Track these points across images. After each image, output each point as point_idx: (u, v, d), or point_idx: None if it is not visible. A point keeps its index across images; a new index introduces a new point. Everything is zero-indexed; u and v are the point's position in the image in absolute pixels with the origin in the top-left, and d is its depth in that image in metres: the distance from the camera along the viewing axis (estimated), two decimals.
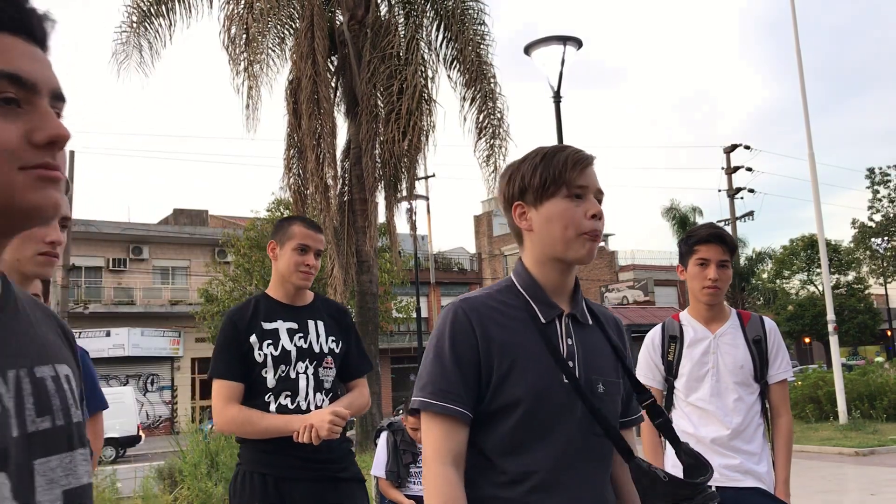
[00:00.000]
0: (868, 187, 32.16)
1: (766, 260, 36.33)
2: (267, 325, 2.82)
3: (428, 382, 1.62)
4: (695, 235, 2.98)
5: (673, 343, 3.04)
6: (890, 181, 30.94)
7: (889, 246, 31.79)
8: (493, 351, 1.60)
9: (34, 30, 0.89)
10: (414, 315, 27.57)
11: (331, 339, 2.93)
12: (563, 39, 9.72)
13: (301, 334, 2.88)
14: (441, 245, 52.36)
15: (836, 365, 15.81)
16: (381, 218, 14.76)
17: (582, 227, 1.64)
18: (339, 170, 14.16)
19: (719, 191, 33.53)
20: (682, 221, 31.57)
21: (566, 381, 1.61)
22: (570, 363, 1.64)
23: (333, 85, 14.52)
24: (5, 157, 0.83)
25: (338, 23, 14.62)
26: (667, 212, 33.25)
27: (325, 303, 3.05)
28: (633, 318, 30.03)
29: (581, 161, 1.66)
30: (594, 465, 1.65)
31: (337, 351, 2.94)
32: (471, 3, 14.86)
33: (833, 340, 16.24)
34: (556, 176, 1.65)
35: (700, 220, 36.12)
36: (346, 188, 14.57)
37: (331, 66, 14.54)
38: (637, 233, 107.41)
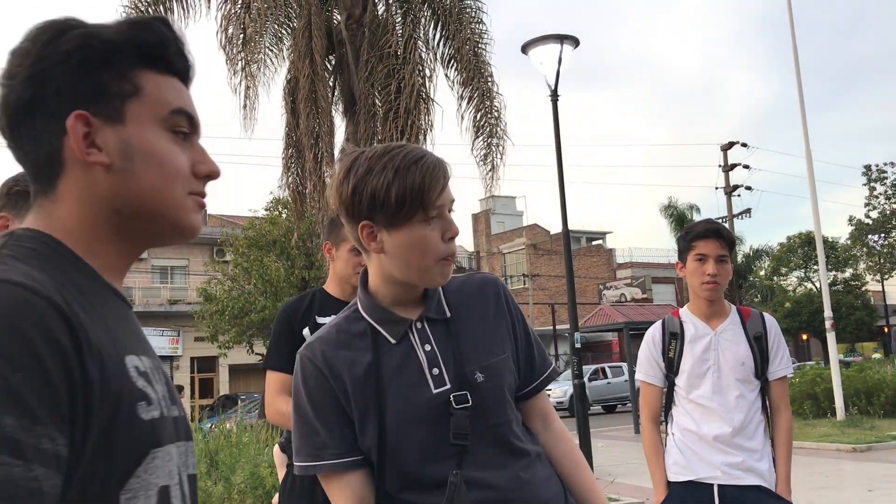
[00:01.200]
0: (865, 184, 32.25)
1: (763, 257, 36.38)
2: (321, 319, 2.79)
3: (301, 446, 1.54)
4: (692, 231, 3.00)
5: (674, 340, 3.05)
6: (886, 178, 31.01)
7: (886, 242, 31.87)
8: (349, 391, 1.51)
9: (191, 75, 1.07)
10: None
11: None
12: (561, 38, 9.76)
13: None
14: None
15: (834, 361, 15.85)
16: None
17: (439, 254, 1.50)
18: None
19: (717, 188, 33.55)
20: (679, 219, 31.62)
21: (435, 391, 1.51)
22: (435, 370, 1.53)
23: (331, 84, 14.53)
24: (181, 181, 1.00)
25: (335, 22, 14.63)
26: (664, 209, 33.27)
27: None
28: (631, 316, 30.05)
29: (441, 178, 1.49)
30: (497, 460, 1.53)
31: None
32: (468, 2, 14.87)
33: (830, 337, 16.28)
34: (414, 197, 1.46)
35: (697, 218, 36.17)
36: None
37: (328, 66, 14.55)
38: (635, 231, 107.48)
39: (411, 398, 1.50)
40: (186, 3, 13.82)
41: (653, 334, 3.13)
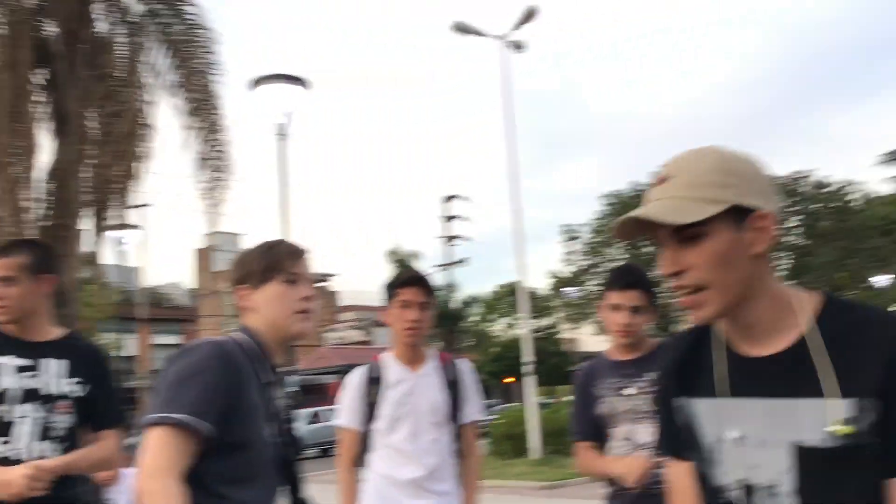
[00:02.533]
0: (563, 241, 35.81)
1: (475, 304, 38.77)
2: None
3: (186, 402, 1.76)
4: (397, 279, 3.14)
5: (374, 385, 3.12)
6: (580, 237, 34.70)
7: (579, 295, 35.49)
8: (240, 393, 1.84)
9: None
10: (120, 353, 25.65)
11: (71, 381, 2.63)
12: (292, 79, 9.78)
13: (32, 372, 2.57)
14: (160, 279, 49.37)
15: (531, 403, 17.17)
16: (89, 247, 13.61)
17: (296, 307, 1.99)
18: (41, 193, 12.87)
19: (437, 237, 35.36)
20: (403, 265, 32.75)
21: (277, 436, 1.95)
22: (274, 421, 1.96)
23: (44, 100, 13.26)
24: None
25: (53, 33, 13.42)
26: (389, 255, 34.37)
27: (75, 341, 2.74)
28: (351, 359, 30.33)
29: (295, 253, 2.04)
30: None
31: (77, 395, 2.63)
32: (200, 31, 14.41)
33: (530, 380, 17.65)
34: (275, 264, 1.99)
35: (419, 265, 37.74)
36: (50, 213, 13.27)
37: (43, 80, 13.26)
38: (361, 274, 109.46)
39: (265, 429, 1.96)
40: None
41: (354, 379, 3.18)
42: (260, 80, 9.99)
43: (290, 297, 1.99)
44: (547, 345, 45.90)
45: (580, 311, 36.67)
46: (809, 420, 1.26)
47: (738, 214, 1.28)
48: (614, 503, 2.92)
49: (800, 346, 1.30)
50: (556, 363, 44.58)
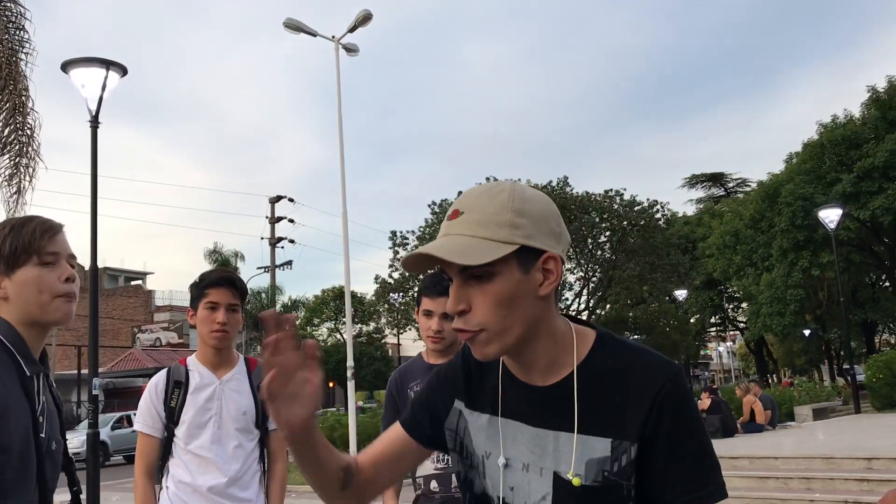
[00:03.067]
0: (390, 247, 36.01)
1: (299, 307, 38.17)
2: None
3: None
4: (206, 279, 2.99)
5: (177, 389, 2.98)
6: (408, 244, 35.04)
7: (403, 301, 35.85)
8: None
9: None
10: None
11: None
12: (107, 63, 9.21)
13: None
14: None
15: (352, 408, 17.11)
16: None
17: (56, 291, 1.80)
18: None
19: (262, 238, 34.46)
20: (224, 265, 31.70)
21: (41, 435, 1.73)
22: (41, 419, 1.75)
23: None
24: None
25: None
26: (209, 254, 33.14)
27: None
28: (163, 361, 29.03)
29: (50, 230, 1.82)
30: None
31: None
32: (9, 5, 13.28)
33: (350, 385, 17.58)
34: (27, 245, 1.78)
35: (242, 266, 36.65)
36: None
37: None
38: (178, 273, 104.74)
39: (29, 429, 1.70)
40: None
41: (156, 382, 3.02)
42: (73, 63, 9.31)
43: (48, 281, 1.79)
44: (370, 349, 46.04)
45: (405, 317, 37.00)
46: (567, 454, 1.30)
47: (526, 255, 1.28)
48: (421, 502, 2.96)
49: (567, 382, 1.33)
50: (377, 368, 44.81)
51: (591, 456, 1.29)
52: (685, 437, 1.27)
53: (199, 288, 2.98)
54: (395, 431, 1.52)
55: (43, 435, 1.74)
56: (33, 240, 1.78)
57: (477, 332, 1.30)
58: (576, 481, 1.28)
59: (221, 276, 2.99)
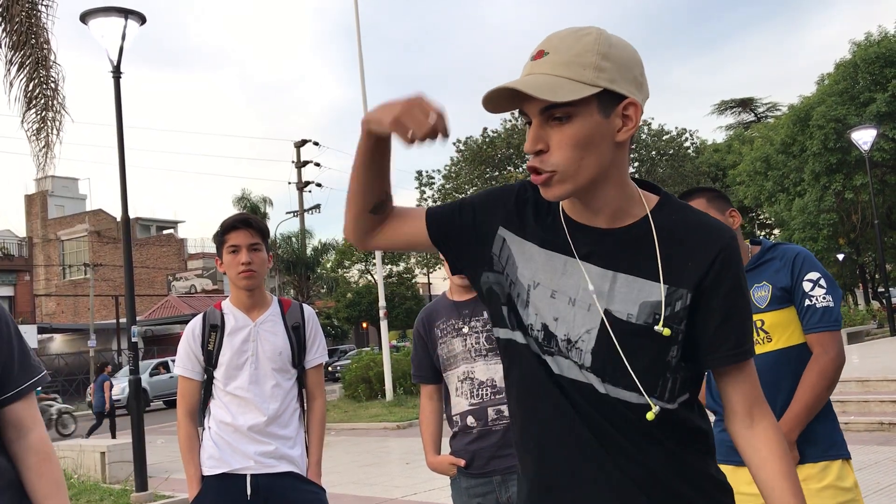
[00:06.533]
0: (416, 188, 35.96)
1: (330, 251, 38.46)
2: None
3: None
4: (222, 226, 3.05)
5: (213, 332, 3.03)
6: (434, 183, 34.96)
7: None
8: None
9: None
10: None
11: None
12: (125, 12, 9.15)
13: None
14: None
15: (385, 347, 17.38)
16: None
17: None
18: None
19: (289, 183, 34.56)
20: (253, 211, 31.89)
21: None
22: None
23: None
24: None
25: None
26: (238, 201, 33.29)
27: None
28: (199, 308, 29.49)
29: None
30: None
31: None
32: None
33: (383, 325, 17.82)
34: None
35: (270, 211, 36.89)
36: None
37: None
38: (208, 221, 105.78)
39: None
40: None
41: (193, 327, 3.08)
42: (91, 13, 9.26)
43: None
44: (401, 290, 46.38)
45: (433, 256, 37.17)
46: (624, 294, 1.35)
47: (608, 99, 1.29)
48: (459, 439, 3.00)
49: (636, 228, 1.38)
50: (409, 307, 45.20)
51: (646, 299, 1.35)
52: (740, 296, 1.37)
53: (220, 235, 3.05)
54: (420, 212, 1.55)
55: None
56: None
57: (550, 174, 1.32)
58: (665, 331, 1.33)
59: (237, 219, 3.04)
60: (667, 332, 1.32)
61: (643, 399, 1.34)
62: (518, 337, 1.42)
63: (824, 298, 2.50)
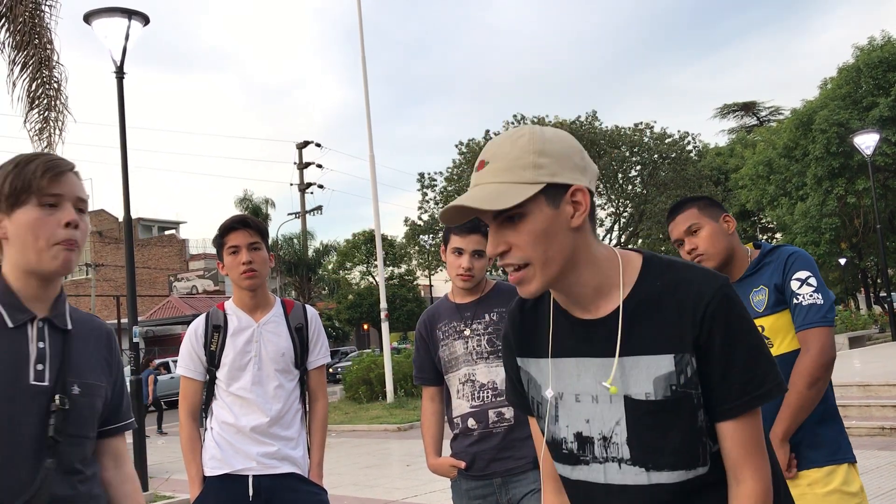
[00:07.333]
0: (419, 190, 35.92)
1: (331, 252, 38.45)
2: None
3: None
4: (222, 227, 3.05)
5: (216, 332, 3.04)
6: (436, 185, 34.94)
7: (434, 242, 35.92)
8: None
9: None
10: None
11: None
12: (129, 13, 9.17)
13: None
14: None
15: (387, 349, 17.36)
16: None
17: (55, 237, 1.63)
18: None
19: (291, 184, 34.58)
20: (255, 212, 31.90)
21: (44, 383, 1.62)
22: (40, 365, 1.63)
23: None
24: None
25: None
26: (240, 202, 33.29)
27: None
28: (200, 308, 29.49)
29: (53, 168, 1.65)
30: (73, 465, 1.69)
31: None
32: None
33: (384, 327, 17.80)
34: (27, 184, 1.62)
35: (272, 212, 36.90)
36: None
37: None
38: (210, 222, 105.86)
39: (4, 378, 1.57)
40: None
41: (195, 327, 3.09)
42: (95, 14, 9.29)
43: (47, 225, 1.62)
44: (403, 291, 46.38)
45: (435, 258, 37.16)
46: (636, 375, 1.38)
47: (554, 192, 1.35)
48: (459, 441, 3.00)
49: (619, 312, 1.40)
50: (410, 309, 45.21)
51: (657, 374, 1.37)
52: (737, 344, 1.35)
53: (219, 238, 3.05)
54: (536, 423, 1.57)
55: (46, 383, 1.62)
56: (34, 178, 1.62)
57: (520, 269, 1.37)
58: (613, 389, 1.38)
59: (235, 220, 3.05)
60: (614, 389, 1.38)
61: (690, 474, 1.36)
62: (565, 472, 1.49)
63: (811, 296, 2.48)
